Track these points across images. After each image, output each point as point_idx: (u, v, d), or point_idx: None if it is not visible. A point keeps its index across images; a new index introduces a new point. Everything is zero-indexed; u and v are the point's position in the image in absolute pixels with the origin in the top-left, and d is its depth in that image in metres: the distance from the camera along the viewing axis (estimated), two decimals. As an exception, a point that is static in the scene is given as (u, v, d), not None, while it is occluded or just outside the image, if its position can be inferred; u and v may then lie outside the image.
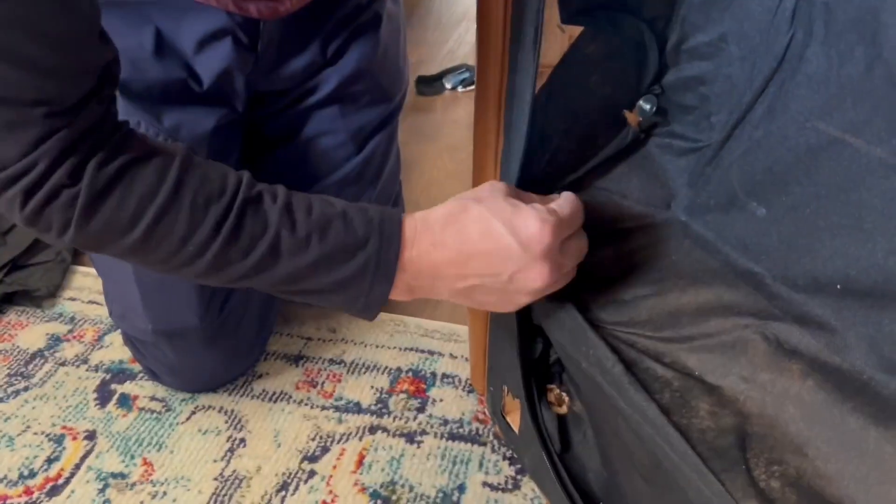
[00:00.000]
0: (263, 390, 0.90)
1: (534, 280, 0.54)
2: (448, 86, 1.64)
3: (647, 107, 0.62)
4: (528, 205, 0.54)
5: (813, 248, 0.53)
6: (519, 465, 0.80)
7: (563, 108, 0.61)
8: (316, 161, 0.87)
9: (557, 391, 0.71)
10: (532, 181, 0.61)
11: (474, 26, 0.59)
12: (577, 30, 0.58)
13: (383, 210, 0.56)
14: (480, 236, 0.53)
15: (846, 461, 0.47)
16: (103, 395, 0.89)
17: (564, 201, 0.56)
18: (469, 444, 0.82)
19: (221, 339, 0.83)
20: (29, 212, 0.48)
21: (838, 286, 0.52)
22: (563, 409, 0.71)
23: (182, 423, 0.85)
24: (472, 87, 1.62)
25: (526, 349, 0.70)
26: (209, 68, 0.75)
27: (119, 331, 0.97)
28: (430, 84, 1.63)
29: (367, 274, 0.54)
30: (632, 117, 0.63)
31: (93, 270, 1.10)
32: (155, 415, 0.86)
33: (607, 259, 0.63)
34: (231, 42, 0.75)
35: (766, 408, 0.52)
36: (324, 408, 0.87)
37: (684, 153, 0.63)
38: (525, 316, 0.68)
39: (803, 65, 0.53)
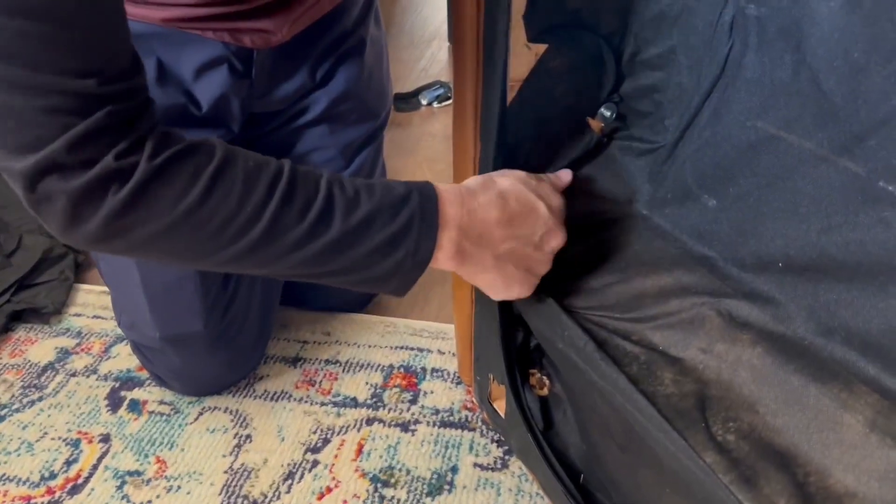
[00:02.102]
0: (265, 391, 0.96)
1: (556, 241, 0.62)
2: (424, 102, 1.70)
3: (608, 114, 0.69)
4: (543, 176, 0.63)
5: (757, 231, 0.60)
6: (506, 447, 0.86)
7: (533, 117, 0.67)
8: (308, 175, 0.94)
9: (538, 375, 0.77)
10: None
11: (446, 45, 0.65)
12: (542, 47, 0.65)
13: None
14: (517, 202, 0.60)
15: (791, 415, 0.54)
16: (114, 401, 0.95)
17: (564, 173, 0.67)
18: (459, 431, 0.89)
19: (224, 344, 0.89)
20: (76, 191, 0.47)
21: (780, 264, 0.58)
22: (545, 391, 0.77)
23: (190, 423, 0.91)
24: (447, 102, 1.68)
25: (508, 338, 0.76)
26: (207, 94, 0.82)
27: (125, 342, 1.03)
28: (407, 101, 1.69)
29: (413, 227, 0.55)
30: (595, 123, 0.70)
31: (96, 287, 1.15)
32: (164, 417, 0.92)
33: (578, 252, 0.69)
34: (227, 69, 0.82)
35: (722, 374, 0.58)
36: (322, 404, 0.93)
37: (643, 154, 0.69)
38: (507, 307, 0.74)
39: (742, 71, 0.59)
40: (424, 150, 1.54)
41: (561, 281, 0.68)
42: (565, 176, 0.67)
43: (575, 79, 0.67)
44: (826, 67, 0.53)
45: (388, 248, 0.56)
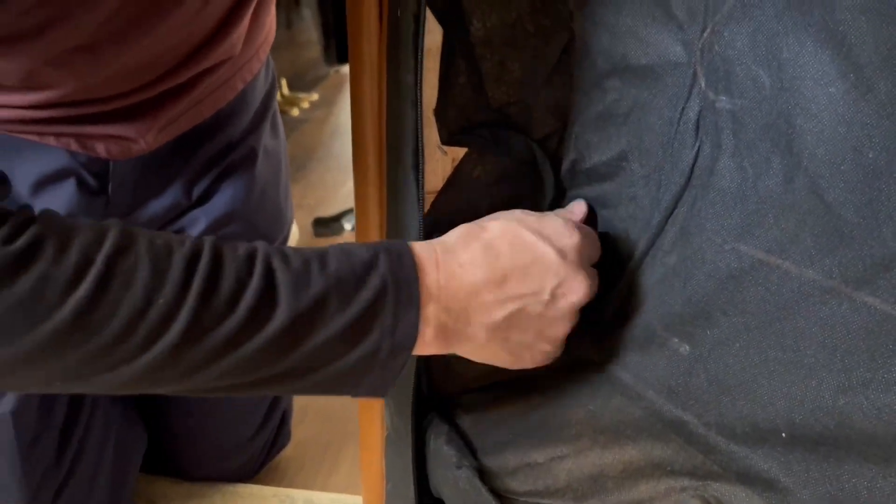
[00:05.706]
0: None
1: (575, 293, 0.47)
2: (348, 226, 1.58)
3: (547, 236, 0.55)
4: (551, 212, 0.49)
5: (749, 388, 0.46)
6: None
7: (452, 239, 0.53)
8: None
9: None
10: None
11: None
12: (460, 151, 0.51)
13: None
14: (511, 248, 0.45)
15: None
16: None
17: (577, 205, 0.52)
18: None
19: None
20: None
21: (783, 434, 0.44)
22: None
23: None
24: (373, 227, 1.56)
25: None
26: (48, 213, 0.65)
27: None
28: (328, 225, 1.57)
29: (386, 299, 0.41)
30: (531, 248, 0.56)
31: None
32: None
33: (513, 413, 0.53)
34: (75, 184, 0.66)
35: None
36: None
37: (592, 286, 0.55)
38: (423, 487, 0.57)
39: (715, 179, 0.47)
40: (345, 279, 1.39)
41: (492, 452, 0.52)
42: (578, 208, 0.52)
43: (504, 192, 0.53)
44: (830, 172, 0.41)
45: (355, 332, 0.41)
